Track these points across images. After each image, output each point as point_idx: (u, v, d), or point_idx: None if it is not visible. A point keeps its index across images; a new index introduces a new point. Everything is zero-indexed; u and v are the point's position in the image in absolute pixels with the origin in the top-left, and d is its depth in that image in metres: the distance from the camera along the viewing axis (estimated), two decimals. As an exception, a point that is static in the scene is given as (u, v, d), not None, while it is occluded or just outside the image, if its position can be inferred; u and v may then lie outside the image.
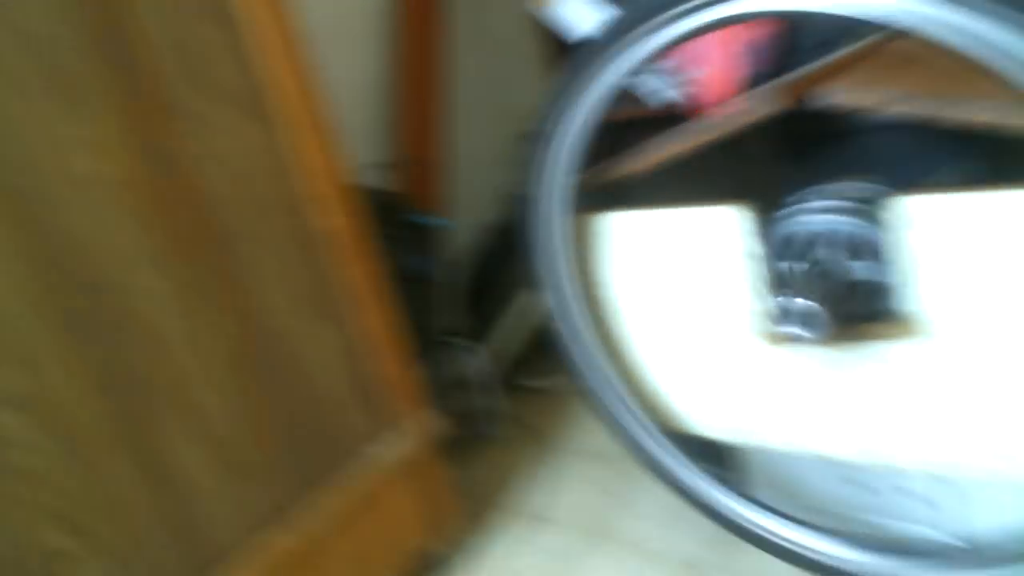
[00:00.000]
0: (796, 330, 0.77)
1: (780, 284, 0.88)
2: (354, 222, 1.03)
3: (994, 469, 0.79)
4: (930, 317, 0.78)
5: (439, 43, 1.90)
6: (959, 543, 0.85)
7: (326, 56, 1.63)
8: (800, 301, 0.75)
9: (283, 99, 0.93)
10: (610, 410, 1.06)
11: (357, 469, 1.04)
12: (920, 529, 0.92)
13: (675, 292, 0.97)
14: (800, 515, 0.94)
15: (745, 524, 0.98)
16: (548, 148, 0.94)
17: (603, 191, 1.01)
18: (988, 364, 0.76)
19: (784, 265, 0.89)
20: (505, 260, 1.76)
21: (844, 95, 0.77)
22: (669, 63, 1.82)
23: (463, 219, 2.00)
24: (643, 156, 0.95)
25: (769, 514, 0.96)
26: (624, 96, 0.91)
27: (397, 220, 1.50)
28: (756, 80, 1.68)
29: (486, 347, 1.62)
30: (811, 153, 1.05)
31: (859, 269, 0.83)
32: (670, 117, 1.74)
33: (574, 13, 1.86)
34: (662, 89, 1.81)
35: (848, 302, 0.83)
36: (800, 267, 0.87)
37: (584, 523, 1.25)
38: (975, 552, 0.79)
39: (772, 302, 0.78)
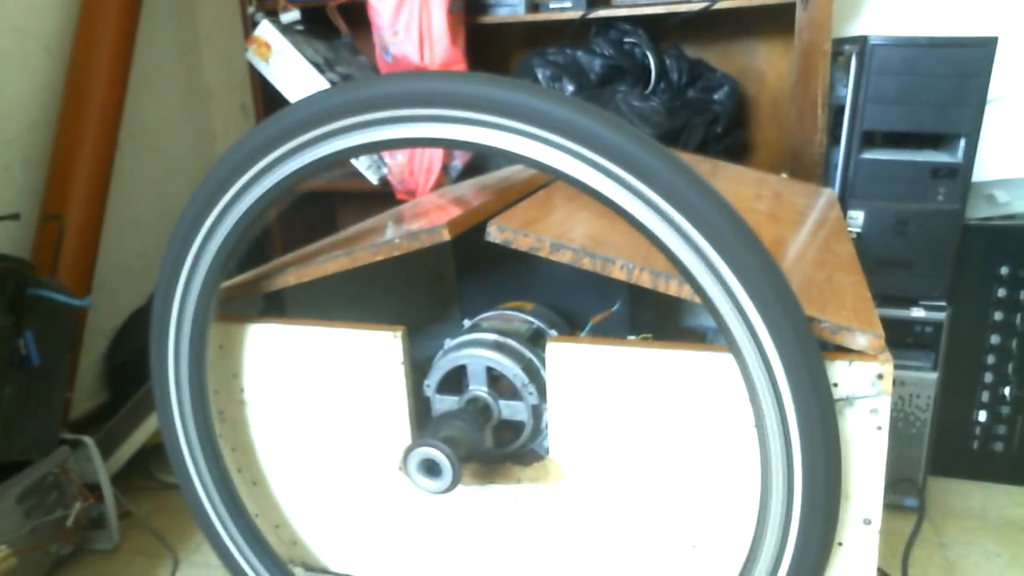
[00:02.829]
0: (421, 479, 0.72)
1: (431, 419, 0.84)
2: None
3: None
4: (563, 461, 0.79)
5: (122, 75, 1.64)
6: None
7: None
8: (428, 449, 0.70)
9: None
10: (210, 523, 0.93)
11: None
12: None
13: (317, 415, 0.88)
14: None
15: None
16: (189, 246, 0.82)
17: (253, 299, 0.90)
18: (617, 514, 0.79)
19: (441, 399, 0.86)
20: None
21: (499, 234, 0.78)
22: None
23: (114, 293, 1.72)
24: (304, 270, 0.87)
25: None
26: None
27: (11, 293, 1.22)
28: (456, 169, 1.75)
29: (100, 444, 1.39)
30: (486, 284, 1.06)
31: (504, 408, 0.83)
32: (383, 193, 1.74)
33: (290, 71, 1.78)
34: (372, 167, 1.79)
35: (490, 441, 0.82)
36: (454, 402, 0.85)
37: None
38: None
39: (407, 445, 0.74)
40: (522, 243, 0.77)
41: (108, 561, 1.38)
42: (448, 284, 1.41)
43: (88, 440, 1.38)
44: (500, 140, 0.64)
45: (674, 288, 0.72)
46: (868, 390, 0.67)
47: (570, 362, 0.76)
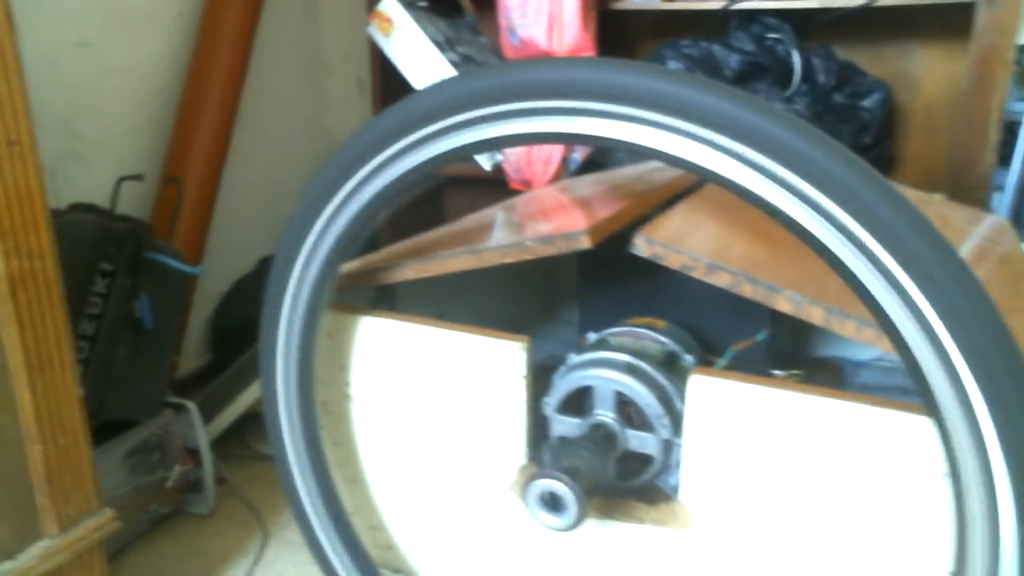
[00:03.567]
0: (542, 513, 0.65)
1: (548, 441, 0.78)
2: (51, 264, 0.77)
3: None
4: (695, 507, 0.71)
5: (247, 44, 1.64)
6: None
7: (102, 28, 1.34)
8: (551, 482, 0.63)
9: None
10: (303, 511, 0.89)
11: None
12: None
13: (425, 420, 0.83)
14: None
15: None
16: (308, 228, 0.77)
17: (365, 290, 0.86)
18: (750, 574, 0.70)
19: (560, 420, 0.79)
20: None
21: (647, 247, 0.70)
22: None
23: (222, 258, 1.74)
24: (424, 265, 0.81)
25: None
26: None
27: (131, 255, 1.23)
28: (575, 162, 1.67)
29: (200, 408, 1.39)
30: (612, 293, 0.98)
31: (632, 438, 0.75)
32: (496, 181, 1.69)
33: (411, 48, 1.75)
34: (487, 153, 1.74)
35: (614, 474, 0.74)
36: (576, 425, 0.77)
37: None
38: None
39: (524, 473, 0.67)
40: (674, 260, 0.68)
41: (202, 525, 1.38)
42: (558, 283, 1.33)
43: (191, 405, 1.38)
44: (680, 148, 0.55)
45: (851, 330, 0.62)
46: (1093, 479, 0.55)
47: (716, 399, 0.67)
